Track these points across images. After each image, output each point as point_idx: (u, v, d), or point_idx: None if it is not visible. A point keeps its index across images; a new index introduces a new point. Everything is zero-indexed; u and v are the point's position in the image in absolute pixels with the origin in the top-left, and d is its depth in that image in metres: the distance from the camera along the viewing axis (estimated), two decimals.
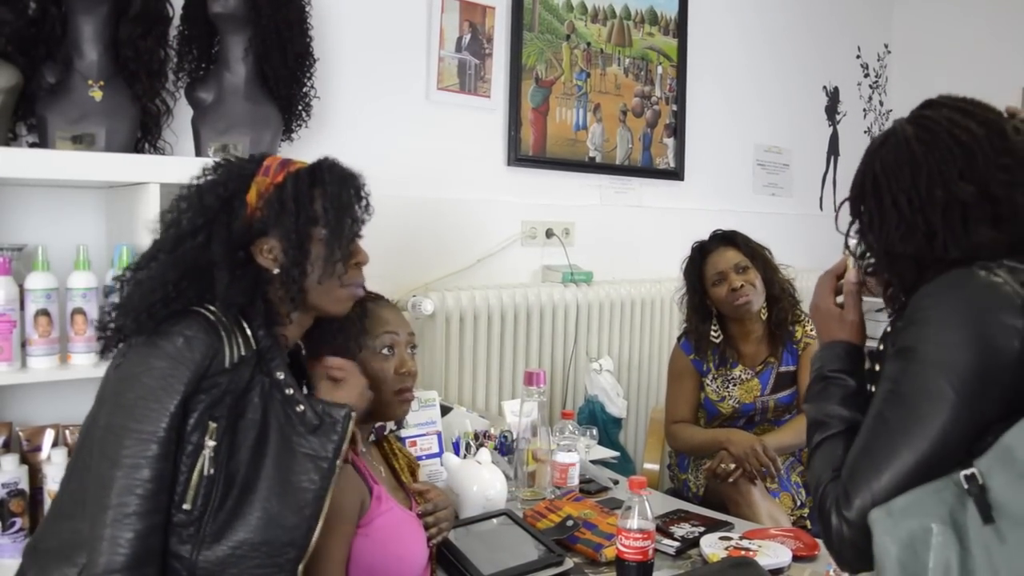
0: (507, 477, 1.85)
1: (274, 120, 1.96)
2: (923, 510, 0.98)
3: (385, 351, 1.39)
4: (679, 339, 2.44)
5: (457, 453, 1.98)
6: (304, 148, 2.17)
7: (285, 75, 1.95)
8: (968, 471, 0.97)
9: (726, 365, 2.34)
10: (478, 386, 2.57)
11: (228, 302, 1.16)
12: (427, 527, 1.43)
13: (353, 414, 1.19)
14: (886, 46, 4.34)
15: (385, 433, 1.48)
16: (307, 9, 1.99)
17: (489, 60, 2.68)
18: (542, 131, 2.85)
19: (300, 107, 2.02)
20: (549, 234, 2.86)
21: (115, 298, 1.18)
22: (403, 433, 1.89)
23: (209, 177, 1.22)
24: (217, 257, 1.16)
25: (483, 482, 1.72)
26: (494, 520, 1.67)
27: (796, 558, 1.61)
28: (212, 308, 1.15)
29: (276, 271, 1.19)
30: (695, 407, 2.38)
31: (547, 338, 2.76)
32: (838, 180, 4.11)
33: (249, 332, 1.16)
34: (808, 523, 2.21)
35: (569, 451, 1.94)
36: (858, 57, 4.20)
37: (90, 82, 1.73)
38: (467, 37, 2.63)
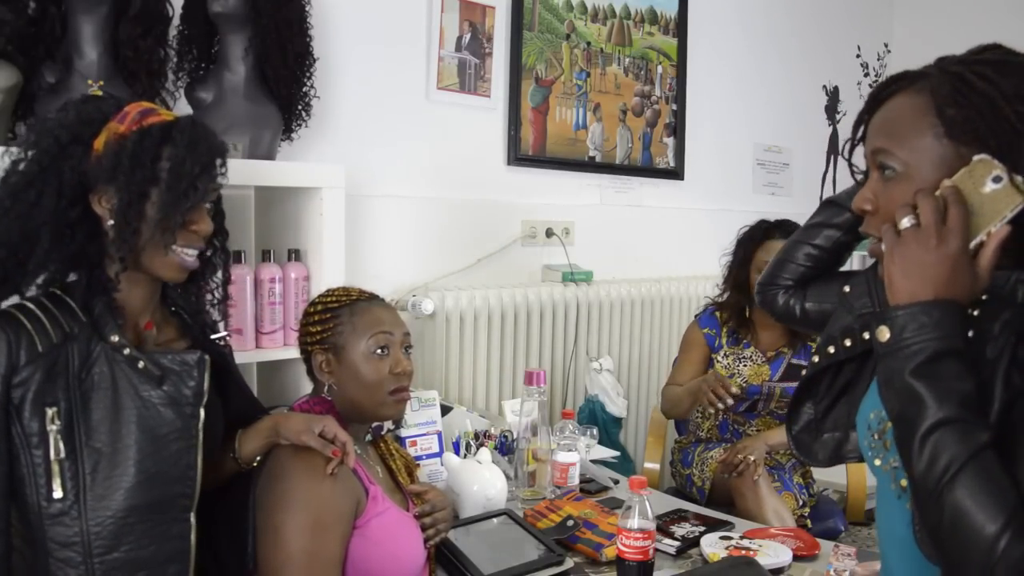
0: (507, 477, 1.85)
1: (274, 120, 1.96)
2: None
3: (379, 351, 1.38)
4: (697, 315, 2.47)
5: (457, 453, 1.98)
6: (304, 148, 2.17)
7: (285, 75, 1.95)
8: None
9: (738, 344, 2.36)
10: (478, 386, 2.56)
11: (46, 266, 1.13)
12: (425, 528, 1.42)
13: (207, 358, 1.19)
14: (886, 45, 4.34)
15: (383, 433, 1.47)
16: (307, 9, 1.99)
17: (489, 60, 2.68)
18: (542, 131, 2.85)
19: (300, 107, 2.02)
20: (549, 234, 2.86)
21: None
22: (403, 433, 1.89)
23: (56, 118, 1.17)
24: (45, 214, 1.12)
25: (483, 482, 1.72)
26: (494, 520, 1.67)
27: (796, 557, 1.61)
28: (22, 301, 1.13)
29: (110, 223, 1.15)
30: (695, 377, 2.38)
31: (547, 338, 2.76)
32: (838, 179, 4.11)
33: (74, 306, 1.14)
34: (809, 522, 2.22)
35: (569, 451, 1.94)
36: (858, 56, 4.20)
37: (90, 82, 1.72)
38: (467, 37, 2.62)
